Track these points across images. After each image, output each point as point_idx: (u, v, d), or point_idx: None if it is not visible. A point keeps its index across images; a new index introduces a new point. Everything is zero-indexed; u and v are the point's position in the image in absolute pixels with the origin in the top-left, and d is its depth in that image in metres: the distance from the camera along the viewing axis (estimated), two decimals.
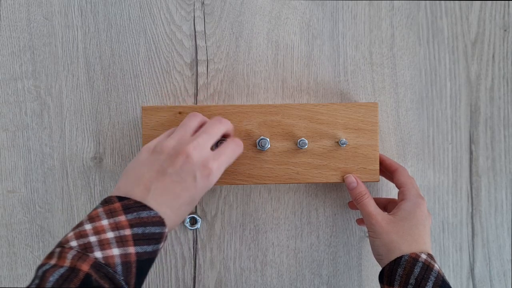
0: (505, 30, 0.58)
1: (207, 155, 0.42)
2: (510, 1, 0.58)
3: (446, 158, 0.58)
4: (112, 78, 0.55)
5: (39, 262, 0.55)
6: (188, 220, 0.55)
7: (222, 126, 0.45)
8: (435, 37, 0.58)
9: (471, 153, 0.58)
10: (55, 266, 0.34)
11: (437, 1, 0.58)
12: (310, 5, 0.56)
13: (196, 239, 0.56)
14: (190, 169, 0.40)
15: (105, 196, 0.55)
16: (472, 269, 0.58)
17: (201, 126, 0.46)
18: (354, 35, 0.57)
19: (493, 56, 0.58)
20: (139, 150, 0.54)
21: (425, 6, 0.57)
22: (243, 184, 0.51)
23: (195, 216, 0.56)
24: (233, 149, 0.45)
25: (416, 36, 0.58)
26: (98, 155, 0.55)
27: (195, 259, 0.56)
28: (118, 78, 0.55)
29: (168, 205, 0.40)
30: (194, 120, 0.45)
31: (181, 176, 0.40)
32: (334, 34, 0.57)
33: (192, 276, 0.56)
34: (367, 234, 0.57)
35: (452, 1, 0.58)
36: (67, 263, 0.34)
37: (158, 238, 0.39)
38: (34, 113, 0.55)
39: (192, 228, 0.56)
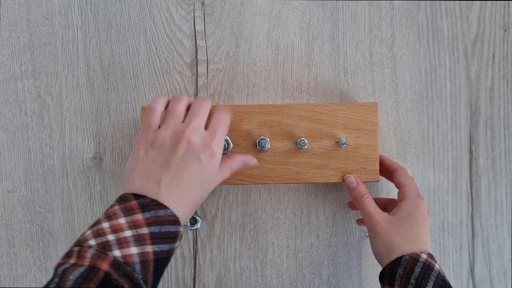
0: (505, 30, 0.58)
1: (205, 136, 0.42)
2: (510, 1, 0.58)
3: (446, 158, 0.58)
4: (112, 78, 0.55)
5: (39, 262, 0.55)
6: (188, 220, 0.55)
7: (207, 104, 0.44)
8: (435, 37, 0.58)
9: (471, 153, 0.58)
10: (74, 265, 0.34)
11: (437, 1, 0.58)
12: (310, 5, 0.56)
13: (196, 239, 0.56)
14: (193, 153, 0.41)
15: (105, 196, 0.55)
16: (472, 269, 0.58)
17: (187, 108, 0.44)
18: (354, 35, 0.57)
19: (493, 56, 0.58)
20: None
21: (425, 6, 0.57)
22: (243, 184, 0.51)
23: (195, 216, 0.56)
24: (224, 122, 0.44)
25: (416, 36, 0.58)
26: (98, 155, 0.55)
27: (195, 259, 0.56)
28: (118, 78, 0.55)
29: (181, 194, 0.40)
30: (181, 104, 0.44)
31: (186, 162, 0.40)
32: (334, 34, 0.57)
33: (192, 276, 0.56)
34: (367, 234, 0.57)
35: (452, 1, 0.58)
36: (87, 262, 0.34)
37: (174, 237, 0.39)
38: (34, 113, 0.55)
39: (192, 228, 0.56)
